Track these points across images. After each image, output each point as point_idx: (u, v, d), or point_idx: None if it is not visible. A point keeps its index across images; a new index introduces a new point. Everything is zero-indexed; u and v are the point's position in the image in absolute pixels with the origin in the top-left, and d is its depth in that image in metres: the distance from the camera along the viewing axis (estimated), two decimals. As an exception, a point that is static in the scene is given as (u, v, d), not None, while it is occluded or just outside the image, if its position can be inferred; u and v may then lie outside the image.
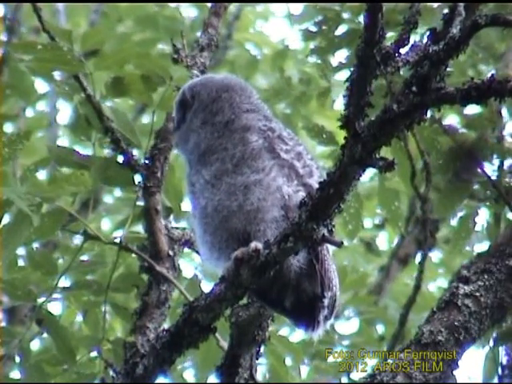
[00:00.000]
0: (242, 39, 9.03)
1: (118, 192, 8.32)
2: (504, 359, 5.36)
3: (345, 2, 6.11)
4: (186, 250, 5.55)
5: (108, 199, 8.69)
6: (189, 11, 8.89)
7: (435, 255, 8.65)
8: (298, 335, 6.76)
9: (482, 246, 6.17)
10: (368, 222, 9.03)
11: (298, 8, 6.43)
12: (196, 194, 4.25)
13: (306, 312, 4.20)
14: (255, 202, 4.12)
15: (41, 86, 8.74)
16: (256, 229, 4.11)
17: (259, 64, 8.59)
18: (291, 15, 8.54)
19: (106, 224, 7.80)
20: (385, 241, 9.22)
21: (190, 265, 5.65)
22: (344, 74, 6.30)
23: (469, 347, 4.54)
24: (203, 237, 4.23)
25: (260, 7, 9.46)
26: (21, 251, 5.57)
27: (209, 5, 5.93)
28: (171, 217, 5.58)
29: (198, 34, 5.83)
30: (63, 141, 8.77)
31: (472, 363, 5.31)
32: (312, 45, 6.26)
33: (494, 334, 5.30)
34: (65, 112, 8.80)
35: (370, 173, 7.06)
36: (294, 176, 4.21)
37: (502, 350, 5.37)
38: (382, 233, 9.14)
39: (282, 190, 4.15)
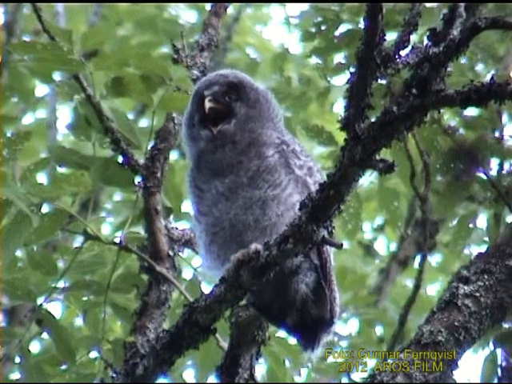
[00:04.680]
0: (242, 43, 9.04)
1: (118, 196, 8.33)
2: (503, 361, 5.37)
3: (344, 2, 6.12)
4: (186, 253, 5.57)
5: (108, 204, 8.68)
6: (188, 14, 8.90)
7: (434, 259, 8.66)
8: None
9: (481, 249, 6.18)
10: (367, 226, 9.04)
11: (296, 9, 6.44)
12: (205, 201, 4.23)
13: (308, 332, 4.23)
14: (273, 217, 4.12)
15: (41, 88, 8.74)
16: None
17: (259, 67, 8.59)
18: (289, 19, 8.56)
19: (106, 228, 7.81)
20: (383, 244, 9.24)
21: (190, 268, 5.63)
22: (343, 77, 6.32)
23: (469, 347, 4.54)
24: (209, 246, 4.23)
25: (259, 12, 9.46)
26: (21, 252, 5.58)
27: (208, 6, 5.94)
28: (171, 217, 5.58)
29: (198, 37, 5.85)
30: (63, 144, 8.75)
31: (471, 365, 5.33)
32: (311, 46, 6.27)
33: (494, 336, 5.31)
34: (65, 117, 8.81)
35: (368, 176, 7.05)
36: (306, 193, 4.18)
37: (500, 352, 5.38)
38: (381, 236, 9.15)
39: (296, 207, 4.09)
